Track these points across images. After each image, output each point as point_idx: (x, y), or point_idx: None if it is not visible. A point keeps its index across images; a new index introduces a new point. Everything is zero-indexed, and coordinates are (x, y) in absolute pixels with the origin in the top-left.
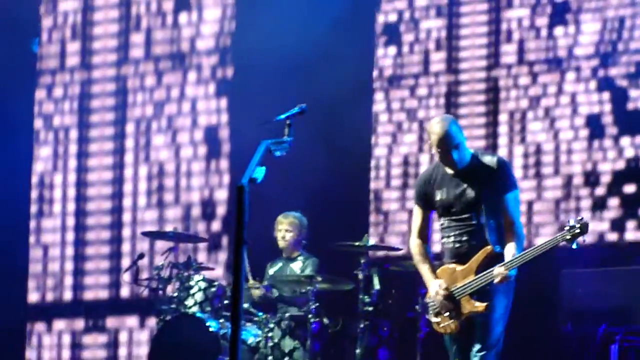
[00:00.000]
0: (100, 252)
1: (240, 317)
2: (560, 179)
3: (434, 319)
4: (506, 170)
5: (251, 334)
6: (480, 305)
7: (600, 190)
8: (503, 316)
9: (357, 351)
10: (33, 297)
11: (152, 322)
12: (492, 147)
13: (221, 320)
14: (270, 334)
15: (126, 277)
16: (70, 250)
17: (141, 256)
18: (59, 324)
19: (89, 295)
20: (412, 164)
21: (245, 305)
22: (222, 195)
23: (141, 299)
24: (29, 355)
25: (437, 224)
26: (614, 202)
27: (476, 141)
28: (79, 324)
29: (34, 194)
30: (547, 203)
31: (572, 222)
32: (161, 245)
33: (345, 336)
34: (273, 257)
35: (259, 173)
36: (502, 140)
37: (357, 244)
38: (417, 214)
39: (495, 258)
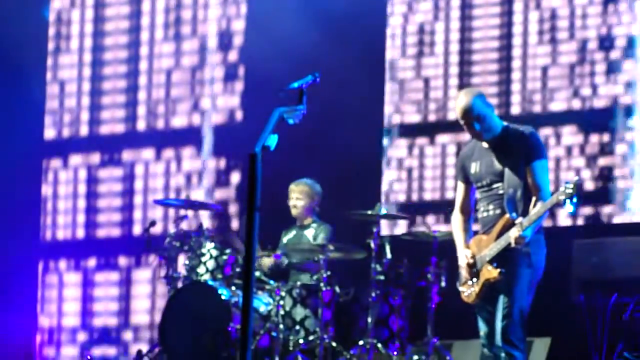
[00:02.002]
0: (117, 86)
1: (252, 285)
2: (575, 43)
3: (460, 288)
4: (534, 140)
5: (262, 302)
6: (494, 271)
7: (615, 54)
8: (528, 287)
9: (369, 320)
10: (49, 133)
11: (168, 153)
12: (508, 14)
13: (233, 288)
14: (281, 302)
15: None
16: (87, 86)
17: (153, 223)
18: (75, 159)
19: (105, 129)
20: (427, 32)
21: (257, 274)
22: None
23: (158, 131)
24: (45, 190)
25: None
26: (628, 65)
27: (490, 7)
28: (95, 158)
29: (51, 31)
30: (562, 68)
31: (566, 183)
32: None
33: (357, 305)
34: (289, 225)
35: (272, 141)
36: (518, 7)
37: (369, 212)
38: (459, 188)
39: (512, 225)
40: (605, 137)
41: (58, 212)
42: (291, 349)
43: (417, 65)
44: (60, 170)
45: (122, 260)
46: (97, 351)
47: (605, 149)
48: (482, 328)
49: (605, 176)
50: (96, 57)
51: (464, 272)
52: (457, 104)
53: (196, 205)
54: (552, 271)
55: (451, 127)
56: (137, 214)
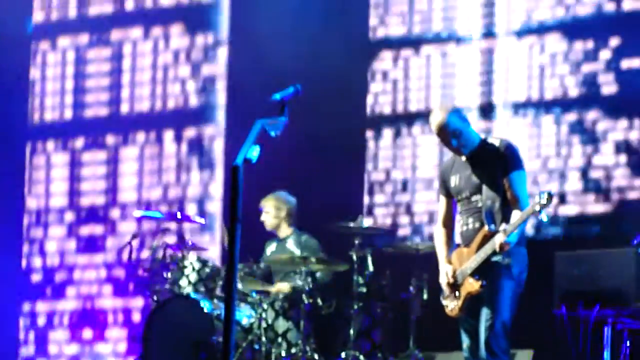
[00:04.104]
0: None
1: (233, 298)
2: None
3: (444, 302)
4: (511, 152)
5: (245, 315)
6: (476, 283)
7: None
8: (510, 297)
9: (351, 332)
10: (38, 16)
11: (156, 31)
12: None
13: (215, 301)
14: (263, 315)
15: (124, 255)
16: None
17: (135, 236)
18: (64, 41)
19: (94, 10)
20: None
21: (241, 287)
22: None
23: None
24: (33, 73)
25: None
26: None
27: None
28: (84, 38)
29: None
30: None
31: (541, 194)
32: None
33: (339, 317)
34: (270, 237)
35: (254, 153)
36: None
37: (351, 224)
38: (441, 202)
39: (492, 237)
40: (589, 44)
41: (46, 95)
42: None
43: None
44: (49, 52)
45: (110, 139)
46: (84, 230)
47: (590, 56)
48: (465, 341)
49: (590, 82)
50: None
51: (445, 288)
52: (432, 120)
53: (179, 219)
54: (534, 283)
55: (436, 39)
56: (125, 93)
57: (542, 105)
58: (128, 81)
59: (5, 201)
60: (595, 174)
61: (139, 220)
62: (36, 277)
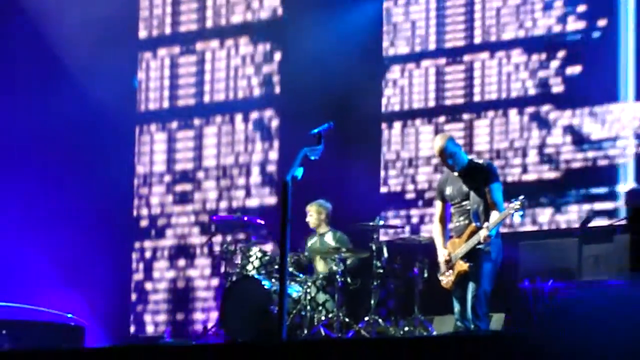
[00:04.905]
0: None
1: (286, 278)
2: None
3: (440, 278)
4: (492, 169)
5: (294, 290)
6: (465, 265)
7: None
8: (489, 274)
9: (372, 302)
10: (142, 34)
11: (229, 42)
12: None
13: (273, 280)
14: (308, 290)
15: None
16: None
17: (214, 234)
18: (162, 51)
19: (183, 28)
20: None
21: (291, 269)
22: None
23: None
24: (139, 75)
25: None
26: (558, 3)
27: None
28: (176, 49)
29: None
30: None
31: (515, 200)
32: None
33: (363, 291)
34: (310, 232)
35: (299, 172)
36: None
37: (371, 223)
38: (437, 206)
39: (477, 231)
40: (543, 56)
41: (149, 90)
42: (316, 324)
43: (406, 12)
44: (151, 60)
45: (196, 121)
46: (178, 187)
47: (543, 65)
48: (456, 306)
49: (543, 84)
50: None
51: (442, 266)
52: (435, 145)
53: (245, 220)
54: (506, 265)
55: (432, 55)
56: (207, 88)
57: (510, 102)
58: (209, 79)
59: (121, 168)
60: (548, 150)
61: (217, 221)
62: (143, 223)
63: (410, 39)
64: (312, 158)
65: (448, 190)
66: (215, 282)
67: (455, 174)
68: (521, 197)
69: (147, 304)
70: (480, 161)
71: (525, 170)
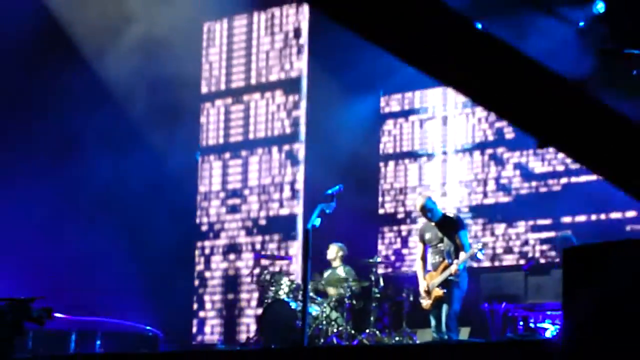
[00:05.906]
0: None
1: (307, 301)
2: None
3: (421, 301)
4: (460, 221)
5: (314, 309)
6: (440, 291)
7: None
8: (458, 298)
9: (371, 319)
10: (204, 89)
11: (267, 94)
12: None
13: (298, 302)
14: (324, 309)
15: (248, 279)
16: None
17: (255, 266)
18: (218, 102)
19: (234, 85)
20: None
21: (311, 294)
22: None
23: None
24: (202, 120)
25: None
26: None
27: None
28: (229, 100)
29: None
30: None
31: (476, 243)
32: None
33: (365, 311)
34: (327, 266)
35: (317, 222)
36: None
37: (371, 260)
38: (419, 247)
39: (449, 266)
40: None
41: (210, 131)
42: (329, 335)
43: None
44: (210, 108)
45: (243, 152)
46: (229, 201)
47: (499, 118)
48: (433, 322)
49: (499, 132)
50: None
51: (423, 293)
52: (417, 203)
53: (277, 258)
54: (471, 291)
55: (416, 112)
56: (251, 127)
57: (474, 146)
58: (252, 122)
59: (188, 189)
60: (503, 181)
61: (257, 257)
62: (203, 228)
63: (400, 101)
64: (327, 212)
65: (427, 236)
66: (254, 302)
67: (432, 223)
68: (481, 242)
69: (205, 320)
70: (451, 215)
71: (485, 195)
